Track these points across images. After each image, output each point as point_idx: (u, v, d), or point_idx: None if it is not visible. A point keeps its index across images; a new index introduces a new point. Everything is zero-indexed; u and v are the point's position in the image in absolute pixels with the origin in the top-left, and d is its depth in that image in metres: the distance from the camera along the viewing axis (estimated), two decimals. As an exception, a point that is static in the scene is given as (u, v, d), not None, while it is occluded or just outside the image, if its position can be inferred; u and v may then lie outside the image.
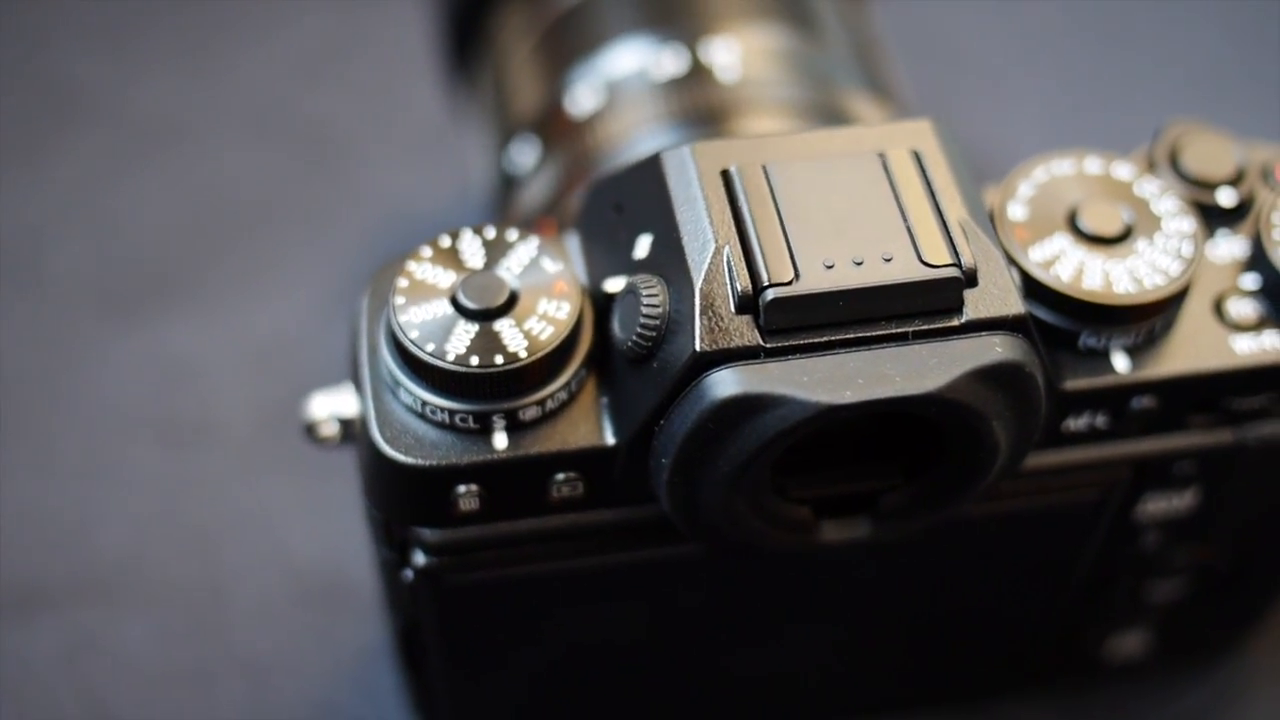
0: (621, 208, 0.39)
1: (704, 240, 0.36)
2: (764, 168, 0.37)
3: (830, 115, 0.49)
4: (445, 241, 0.39)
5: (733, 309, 0.35)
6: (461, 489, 0.38)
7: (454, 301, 0.37)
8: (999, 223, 0.39)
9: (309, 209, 0.68)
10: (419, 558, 0.39)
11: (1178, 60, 0.76)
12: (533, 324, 0.37)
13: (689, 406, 0.35)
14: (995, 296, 0.36)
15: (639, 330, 0.36)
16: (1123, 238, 0.39)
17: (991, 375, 0.35)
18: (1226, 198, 0.42)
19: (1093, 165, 0.41)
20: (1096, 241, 0.39)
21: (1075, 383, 0.39)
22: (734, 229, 0.36)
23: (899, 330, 0.35)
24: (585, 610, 0.42)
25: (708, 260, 0.35)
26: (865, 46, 0.55)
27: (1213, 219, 0.42)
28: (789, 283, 0.35)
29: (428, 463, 0.37)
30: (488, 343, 0.37)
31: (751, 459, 0.35)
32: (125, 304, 0.64)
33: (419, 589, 0.40)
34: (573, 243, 0.41)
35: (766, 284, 0.35)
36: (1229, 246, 0.42)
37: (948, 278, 0.35)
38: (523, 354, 0.36)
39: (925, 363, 0.35)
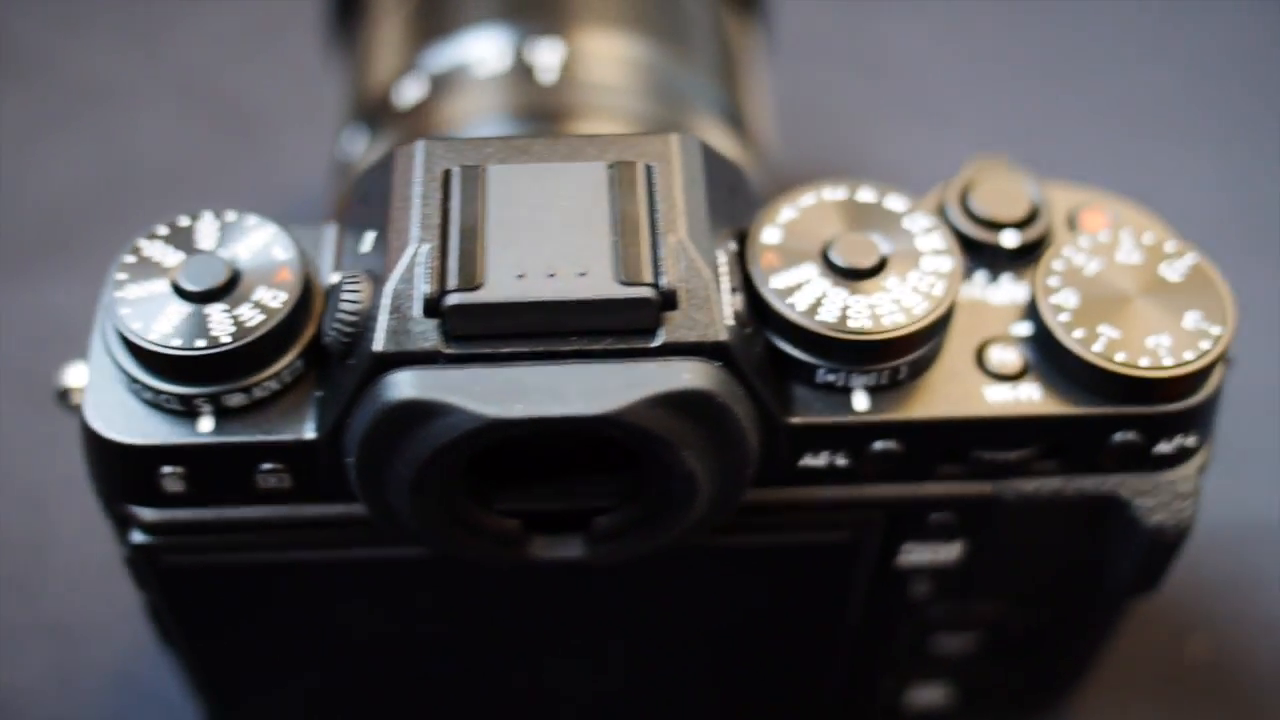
0: (365, 200, 0.39)
1: (406, 239, 0.35)
2: (485, 170, 0.36)
3: (662, 129, 0.48)
4: (184, 221, 0.39)
5: (419, 311, 0.34)
6: (166, 470, 0.37)
7: (173, 281, 0.37)
8: (750, 246, 0.38)
9: (219, 182, 0.69)
10: (135, 535, 0.39)
11: (1134, 88, 0.74)
12: (245, 310, 0.37)
13: (367, 407, 0.34)
14: (697, 322, 0.34)
15: (336, 325, 0.35)
16: (874, 272, 0.38)
17: (677, 402, 0.34)
18: (1010, 240, 0.40)
19: (865, 195, 0.39)
20: (845, 274, 0.38)
21: (808, 418, 0.38)
22: (438, 230, 0.35)
23: (587, 348, 0.34)
24: (312, 604, 0.42)
25: (405, 260, 0.35)
26: (736, 71, 0.55)
27: (1000, 261, 0.41)
28: (474, 289, 0.34)
29: (130, 441, 0.37)
30: (195, 325, 0.36)
31: (427, 466, 0.34)
32: (17, 260, 0.65)
33: (136, 566, 0.40)
34: (330, 233, 0.40)
35: (452, 289, 0.34)
36: (1010, 291, 0.40)
37: (640, 298, 0.34)
38: (226, 339, 0.36)
39: (606, 384, 0.34)
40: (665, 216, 0.35)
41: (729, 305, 0.35)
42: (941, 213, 0.41)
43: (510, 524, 0.38)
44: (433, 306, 0.34)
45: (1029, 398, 0.38)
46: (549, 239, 0.35)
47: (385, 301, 0.34)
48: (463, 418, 0.33)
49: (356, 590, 0.42)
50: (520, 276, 0.34)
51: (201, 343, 0.36)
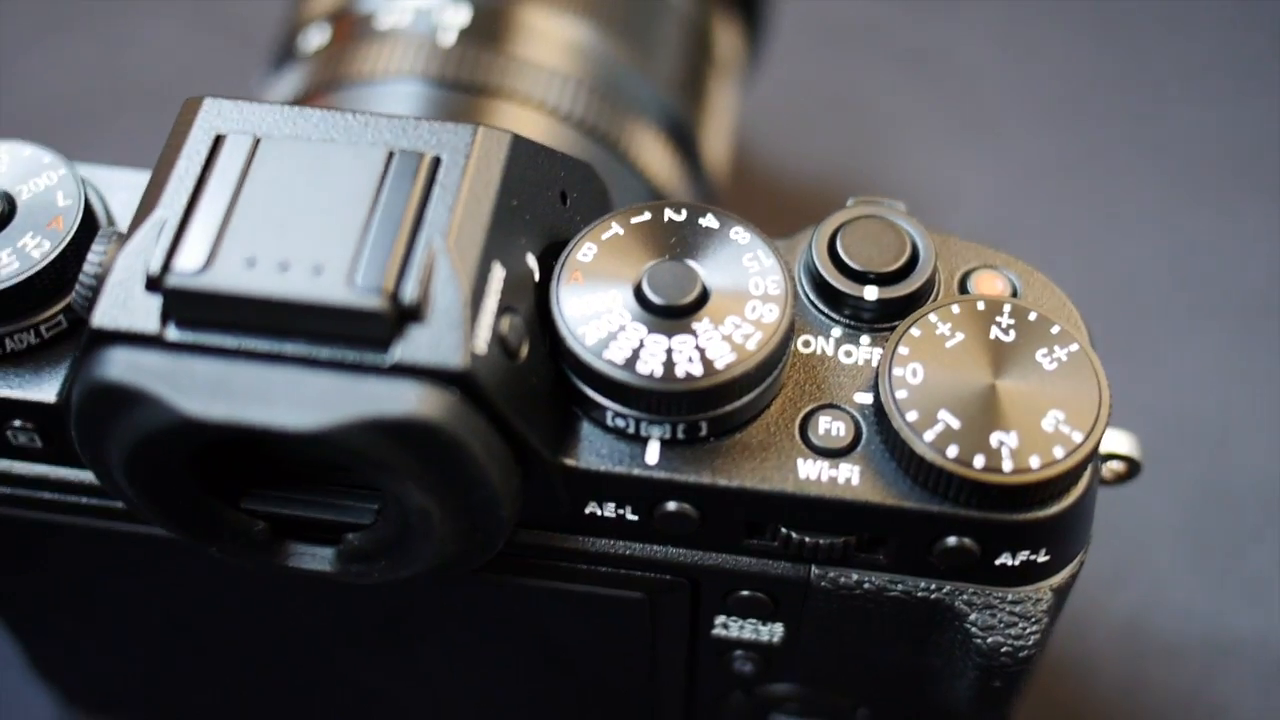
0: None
1: (153, 204, 0.32)
2: (256, 140, 0.33)
3: (580, 122, 0.45)
4: None
5: (143, 288, 0.31)
6: None
7: None
8: (561, 263, 0.34)
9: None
10: None
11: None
12: (4, 255, 0.34)
13: (81, 381, 0.32)
14: (440, 344, 0.30)
15: (77, 287, 0.33)
16: (688, 310, 0.33)
17: (395, 431, 0.30)
18: (872, 294, 0.35)
19: (709, 221, 0.35)
20: (655, 308, 0.33)
21: (585, 464, 0.33)
22: (188, 199, 0.32)
23: (312, 355, 0.30)
24: (83, 567, 0.40)
25: (144, 227, 0.32)
26: (701, 87, 0.50)
27: (861, 317, 0.35)
28: (198, 272, 0.31)
29: None
30: (-49, 262, 0.34)
31: (134, 453, 0.31)
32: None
33: None
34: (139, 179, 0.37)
35: (178, 268, 0.31)
36: (864, 354, 0.35)
37: (368, 309, 0.30)
38: None
39: (323, 397, 0.30)
40: (433, 218, 0.31)
41: (486, 329, 0.31)
42: (808, 255, 0.36)
43: (257, 525, 0.34)
44: (154, 283, 0.31)
45: (845, 479, 0.33)
46: (296, 227, 0.31)
47: (113, 271, 0.31)
48: (161, 411, 0.30)
49: (116, 560, 0.39)
50: (251, 265, 0.31)
51: (-48, 284, 0.34)
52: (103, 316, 0.31)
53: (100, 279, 0.32)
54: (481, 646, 0.41)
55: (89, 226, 0.35)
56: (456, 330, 0.30)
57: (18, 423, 0.35)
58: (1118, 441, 0.37)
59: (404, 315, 0.30)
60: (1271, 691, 0.50)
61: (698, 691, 0.41)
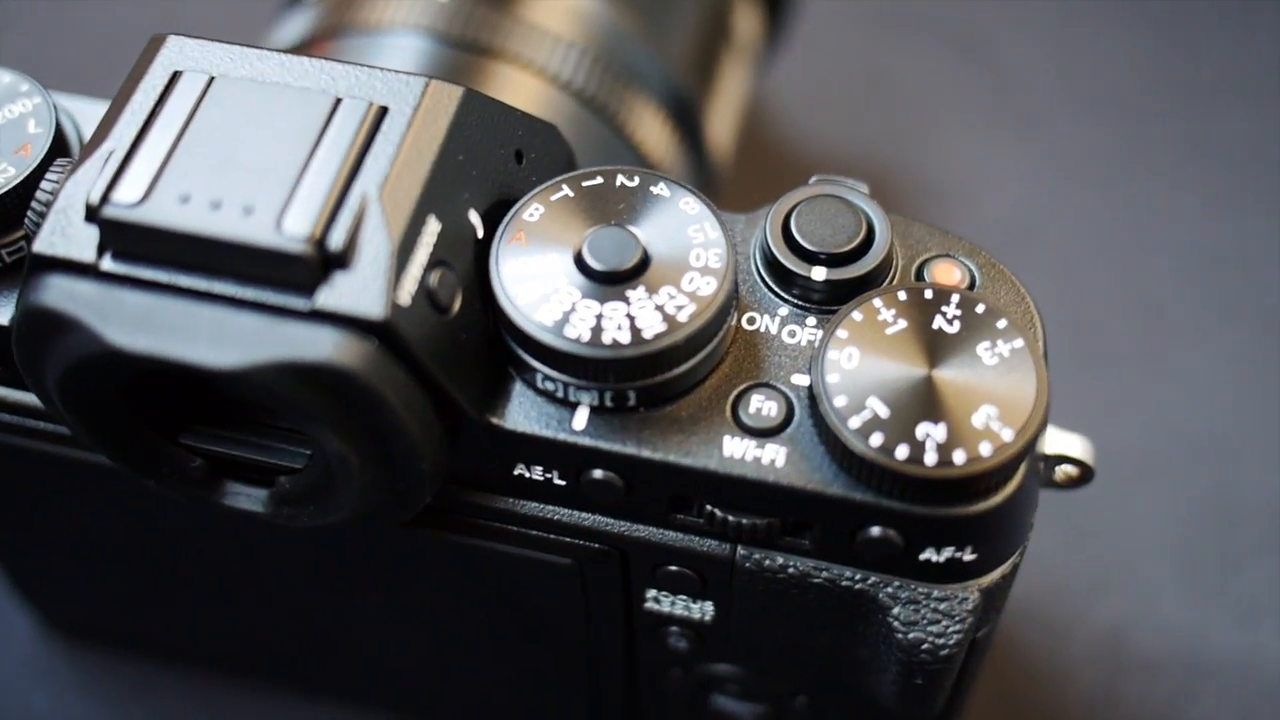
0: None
1: (104, 135, 0.32)
2: (211, 79, 0.33)
3: (579, 91, 0.44)
4: None
5: (82, 217, 0.32)
6: None
7: None
8: (509, 219, 0.34)
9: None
10: None
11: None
12: (-32, 178, 0.35)
13: (19, 304, 0.32)
14: (359, 292, 0.30)
15: (28, 213, 0.33)
16: (625, 277, 0.33)
17: (312, 375, 0.30)
18: (820, 275, 0.34)
19: (660, 189, 0.34)
20: (592, 273, 0.33)
21: (511, 425, 0.33)
22: (136, 133, 0.32)
23: (237, 295, 0.31)
24: (42, 491, 0.41)
25: (92, 158, 0.32)
26: (713, 70, 0.50)
27: (810, 298, 0.35)
28: (134, 205, 0.31)
29: None
30: (-82, 182, 0.35)
31: (63, 380, 0.32)
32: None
33: None
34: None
35: (112, 200, 0.31)
36: (808, 335, 0.34)
37: (291, 253, 0.30)
38: None
39: (243, 336, 0.30)
40: (371, 166, 0.31)
41: (413, 281, 0.31)
42: (762, 232, 0.35)
43: (194, 462, 0.35)
44: (92, 214, 0.31)
45: (770, 460, 0.33)
46: (235, 167, 0.31)
47: (59, 198, 0.32)
48: (88, 339, 0.31)
49: (70, 486, 0.40)
50: (185, 201, 0.31)
51: (-84, 203, 0.35)
52: (43, 243, 0.32)
53: (48, 206, 0.33)
54: (425, 600, 0.41)
55: (59, 155, 0.36)
56: (380, 280, 0.31)
57: None
58: (1069, 444, 0.36)
59: (329, 262, 0.30)
60: (1250, 716, 0.49)
61: (637, 667, 0.41)
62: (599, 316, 0.32)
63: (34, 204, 0.33)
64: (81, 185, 0.32)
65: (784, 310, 0.35)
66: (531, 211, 0.34)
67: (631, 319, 0.32)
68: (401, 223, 0.31)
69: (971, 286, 0.35)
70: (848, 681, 0.38)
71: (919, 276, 0.35)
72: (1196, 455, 0.55)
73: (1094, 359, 0.58)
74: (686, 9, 0.51)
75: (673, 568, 0.36)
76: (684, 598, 0.37)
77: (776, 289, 0.35)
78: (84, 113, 0.38)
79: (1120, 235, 0.62)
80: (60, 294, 0.31)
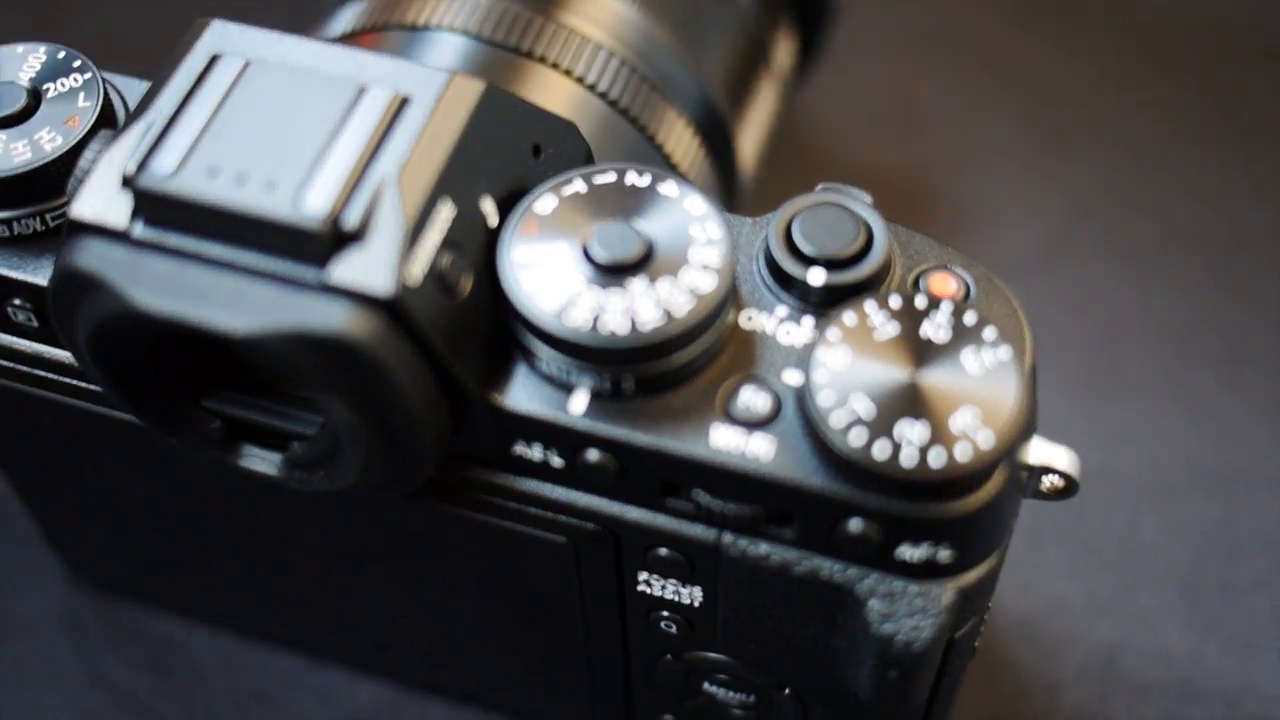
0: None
1: (144, 110, 0.34)
2: (247, 62, 0.35)
3: (615, 101, 0.46)
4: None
5: (118, 185, 0.34)
6: None
7: None
8: (522, 209, 0.35)
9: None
10: None
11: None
12: (20, 145, 0.37)
13: (56, 265, 0.34)
14: (370, 269, 0.32)
15: (70, 180, 0.35)
16: (627, 270, 0.34)
17: (322, 345, 0.32)
18: (817, 278, 0.36)
19: (668, 189, 0.36)
20: (597, 264, 0.34)
21: (512, 404, 0.35)
22: (174, 110, 0.34)
23: (259, 265, 0.33)
24: (74, 446, 0.43)
25: (134, 130, 0.34)
26: (744, 87, 0.52)
27: (809, 300, 0.36)
28: (167, 176, 0.33)
29: None
30: (-28, 147, 0.37)
31: (93, 339, 0.34)
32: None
33: None
34: None
35: (146, 170, 0.33)
36: (803, 335, 0.36)
37: (309, 228, 0.32)
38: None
39: (259, 304, 0.32)
40: (390, 151, 0.33)
41: (424, 261, 0.33)
42: (765, 238, 0.36)
43: (213, 423, 0.37)
44: (128, 182, 0.33)
45: (754, 452, 0.34)
46: (263, 145, 0.33)
47: (99, 166, 0.34)
48: (115, 300, 0.33)
49: (101, 443, 0.42)
50: (214, 174, 0.33)
51: (-27, 168, 0.37)
52: (81, 208, 0.34)
53: (87, 173, 0.35)
54: (427, 573, 0.43)
55: (103, 128, 0.38)
56: (392, 259, 0.32)
57: (18, 301, 0.38)
58: (1055, 456, 0.37)
59: (343, 238, 0.32)
60: (1237, 744, 0.49)
61: (630, 651, 0.42)
62: (601, 306, 0.34)
63: (76, 171, 0.35)
64: (119, 155, 0.34)
65: (782, 310, 0.36)
66: (543, 204, 0.35)
67: (631, 309, 0.34)
68: (416, 205, 0.33)
69: (966, 298, 0.36)
70: (829, 675, 0.39)
71: (915, 286, 0.37)
72: (1207, 485, 0.55)
73: (1112, 384, 0.59)
74: (725, 30, 0.52)
75: (663, 551, 0.37)
76: (674, 581, 0.38)
77: (776, 290, 0.36)
78: (132, 91, 0.40)
79: (1145, 264, 0.62)
80: (93, 256, 0.33)
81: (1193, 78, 0.68)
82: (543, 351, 0.34)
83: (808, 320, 0.36)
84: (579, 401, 0.35)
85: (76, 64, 0.39)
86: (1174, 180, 0.65)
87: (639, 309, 0.34)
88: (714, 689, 0.43)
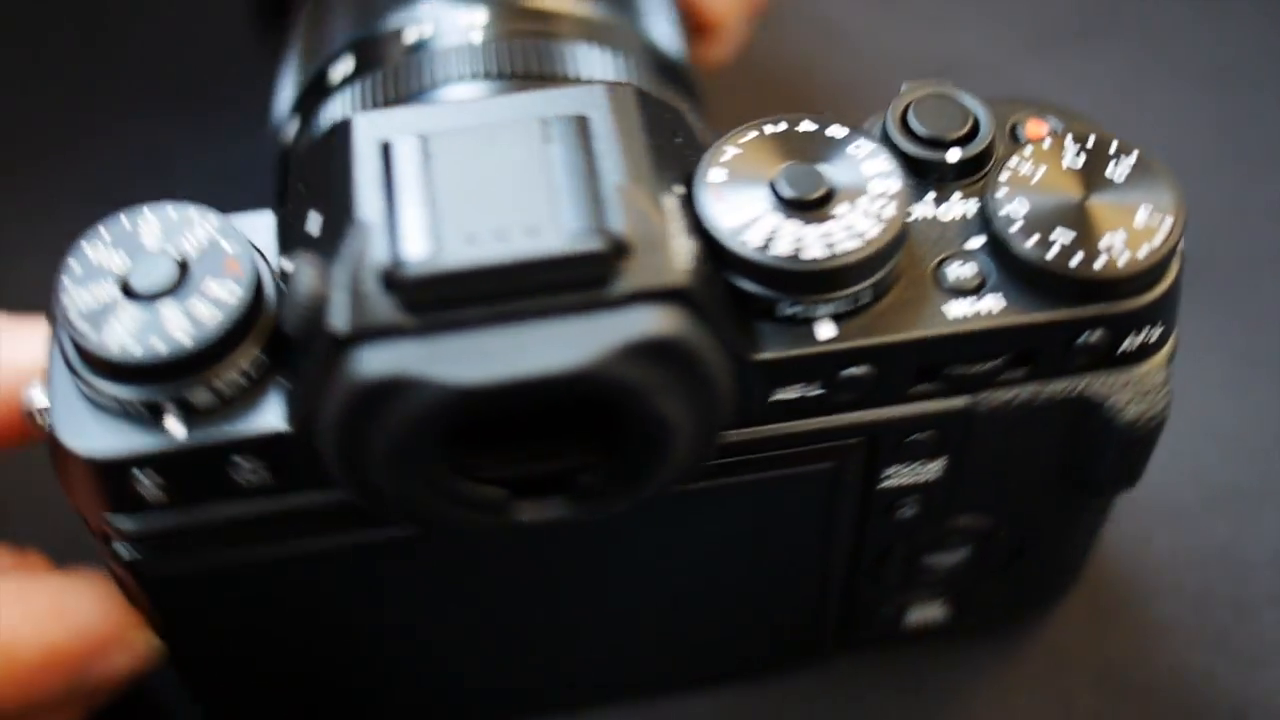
0: (305, 182, 0.39)
1: (354, 215, 0.35)
2: (422, 138, 0.36)
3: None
4: (125, 222, 0.38)
5: (378, 286, 0.34)
6: (141, 478, 0.37)
7: (123, 284, 0.37)
8: (697, 188, 0.38)
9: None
10: (120, 549, 0.39)
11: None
12: (199, 306, 0.36)
13: (336, 389, 0.34)
14: (654, 267, 0.34)
15: (295, 310, 0.35)
16: (823, 201, 0.38)
17: (646, 350, 0.34)
18: (955, 156, 0.40)
19: (806, 126, 0.39)
20: (795, 206, 0.38)
21: (774, 353, 0.38)
22: (384, 203, 0.35)
23: (547, 305, 0.34)
24: (303, 598, 0.42)
25: (355, 236, 0.34)
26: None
27: (947, 180, 0.41)
28: (429, 258, 0.34)
29: (101, 451, 0.36)
30: (151, 327, 0.36)
31: (404, 442, 0.34)
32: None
33: (122, 578, 0.40)
34: (271, 218, 0.40)
35: (406, 260, 0.34)
36: (960, 207, 0.40)
37: (591, 250, 0.34)
38: (184, 338, 0.36)
39: (573, 339, 0.34)
40: (605, 166, 0.35)
41: (684, 248, 0.35)
42: (885, 137, 0.41)
43: (494, 491, 0.37)
44: (389, 279, 0.34)
45: (991, 309, 0.38)
46: (495, 201, 0.35)
47: (341, 280, 0.34)
48: (434, 390, 0.33)
49: (347, 579, 0.41)
50: (472, 240, 0.34)
51: (161, 345, 0.36)
52: (345, 322, 0.34)
53: (318, 296, 0.35)
54: (669, 557, 0.44)
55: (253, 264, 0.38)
56: (665, 253, 0.35)
57: (243, 462, 0.37)
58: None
59: (619, 250, 0.34)
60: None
61: (864, 551, 0.45)
62: (825, 236, 0.37)
63: (298, 299, 0.35)
64: (359, 260, 0.34)
65: (930, 195, 0.40)
66: (715, 173, 0.38)
67: (850, 228, 0.37)
68: (655, 203, 0.35)
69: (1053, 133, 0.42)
70: (1052, 499, 0.44)
71: (1014, 135, 0.42)
72: (1219, 504, 0.57)
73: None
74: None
75: (917, 435, 0.41)
76: (918, 464, 0.42)
77: (914, 180, 0.41)
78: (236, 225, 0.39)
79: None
80: (385, 361, 0.33)
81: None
82: (783, 297, 0.37)
83: (956, 195, 0.40)
84: (825, 329, 0.38)
85: (193, 213, 0.38)
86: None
87: (858, 226, 0.37)
88: (933, 558, 0.47)
